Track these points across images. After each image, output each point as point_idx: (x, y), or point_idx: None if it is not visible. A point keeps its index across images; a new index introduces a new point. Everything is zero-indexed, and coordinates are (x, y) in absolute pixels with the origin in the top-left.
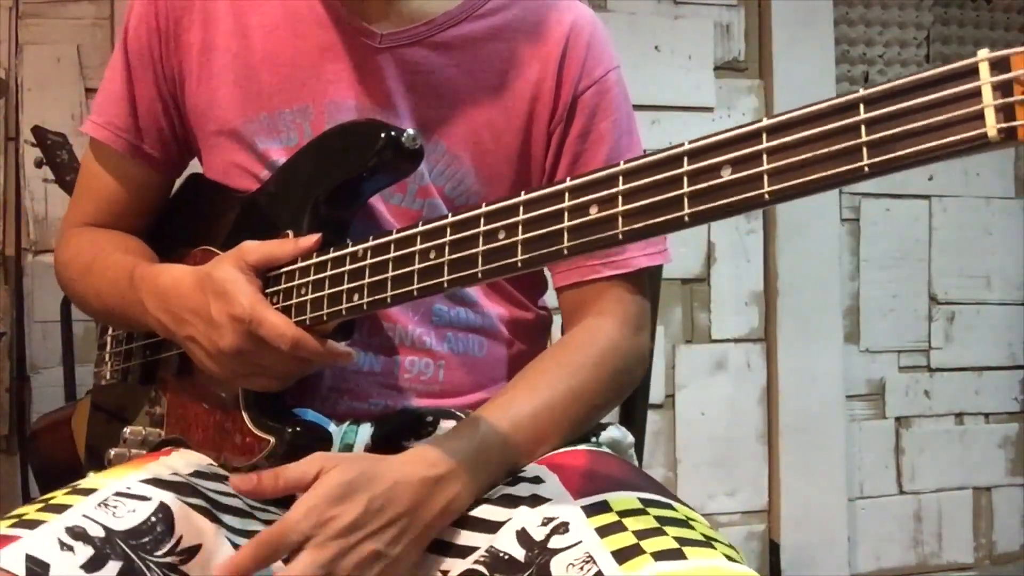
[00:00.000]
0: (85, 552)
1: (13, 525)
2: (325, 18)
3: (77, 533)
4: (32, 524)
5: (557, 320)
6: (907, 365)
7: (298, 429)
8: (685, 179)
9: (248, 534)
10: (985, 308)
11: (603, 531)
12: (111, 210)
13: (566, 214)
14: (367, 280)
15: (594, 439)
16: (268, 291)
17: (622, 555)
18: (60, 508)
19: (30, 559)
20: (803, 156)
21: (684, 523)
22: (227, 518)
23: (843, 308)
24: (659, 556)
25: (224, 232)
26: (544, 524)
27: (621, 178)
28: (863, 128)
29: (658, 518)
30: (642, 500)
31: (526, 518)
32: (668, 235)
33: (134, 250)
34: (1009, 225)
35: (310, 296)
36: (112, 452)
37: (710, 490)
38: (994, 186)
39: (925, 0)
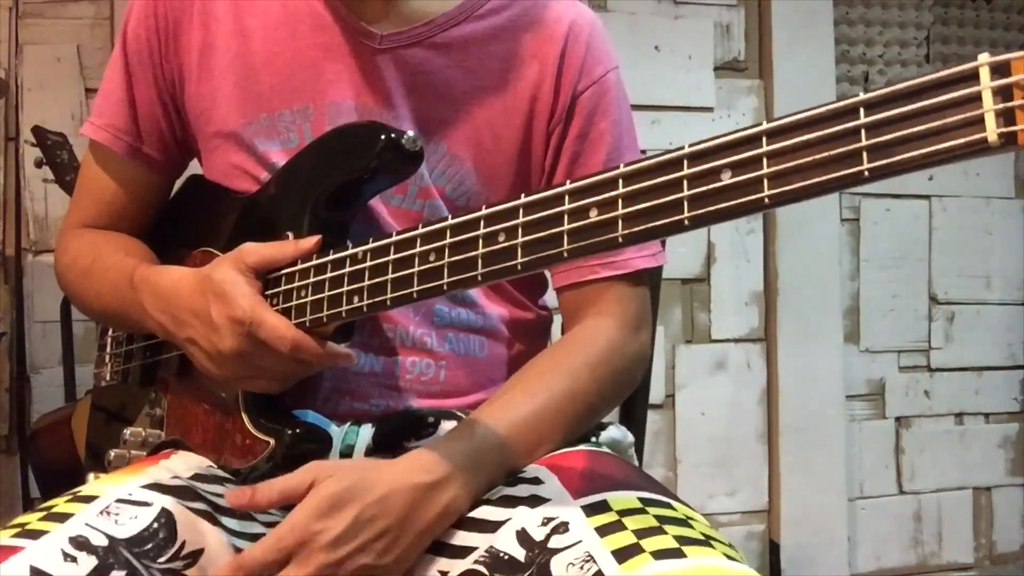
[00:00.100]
0: (89, 562)
1: (16, 535)
2: (325, 19)
3: (80, 543)
4: (35, 534)
5: (557, 320)
6: (907, 365)
7: (298, 431)
8: (685, 182)
9: (249, 536)
10: (985, 308)
11: (603, 530)
12: (111, 211)
13: (566, 217)
14: (367, 282)
15: (594, 439)
16: (268, 293)
17: (622, 554)
18: (62, 517)
19: (34, 571)
20: (803, 160)
21: (684, 522)
22: (228, 521)
23: (843, 308)
24: (659, 555)
25: (224, 234)
26: (544, 524)
27: (621, 181)
28: (863, 132)
29: (658, 517)
30: (642, 499)
31: (526, 518)
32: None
33: (134, 252)
34: (1009, 225)
35: (310, 298)
36: (112, 453)
37: (710, 490)
38: (994, 186)
39: (925, 0)
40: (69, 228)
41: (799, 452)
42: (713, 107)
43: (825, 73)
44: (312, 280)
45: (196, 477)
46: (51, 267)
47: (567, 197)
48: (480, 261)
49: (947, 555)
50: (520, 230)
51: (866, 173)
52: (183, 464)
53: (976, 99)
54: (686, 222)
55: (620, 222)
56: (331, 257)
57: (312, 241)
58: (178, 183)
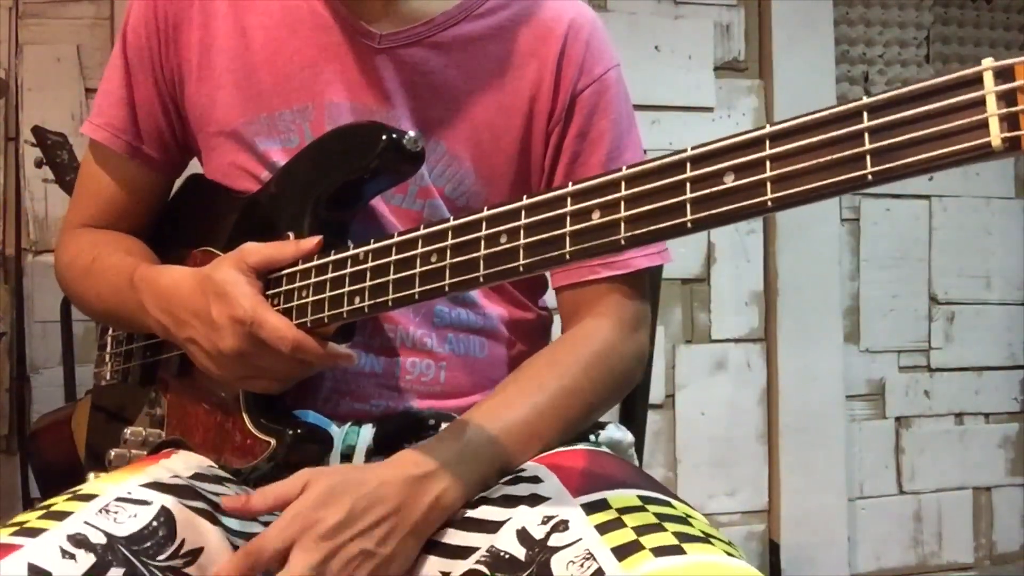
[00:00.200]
0: (87, 560)
1: (14, 533)
2: (324, 19)
3: (79, 540)
4: (33, 532)
5: (557, 320)
6: (907, 365)
7: (299, 431)
8: (688, 185)
9: (249, 536)
10: (985, 308)
11: (603, 528)
12: (111, 211)
13: (568, 219)
14: (368, 283)
15: (593, 438)
16: (269, 293)
17: (622, 551)
18: (61, 515)
19: (32, 568)
20: (806, 163)
21: (683, 520)
22: (228, 520)
23: (843, 308)
24: (658, 552)
25: (225, 233)
26: (544, 523)
27: (624, 183)
28: (866, 136)
29: (657, 515)
30: (641, 497)
31: (526, 517)
32: None
33: (134, 251)
34: (1009, 225)
35: (311, 298)
36: (112, 453)
37: (710, 490)
38: (994, 186)
39: (925, 0)
40: (69, 228)
41: (799, 452)
42: (713, 107)
43: (825, 73)
44: (313, 280)
45: (196, 476)
46: (51, 267)
47: (569, 199)
48: (482, 262)
49: (947, 555)
50: (522, 232)
51: (869, 177)
52: (183, 463)
53: (980, 103)
54: (689, 225)
55: (622, 224)
56: (332, 257)
57: (313, 241)
58: (178, 183)
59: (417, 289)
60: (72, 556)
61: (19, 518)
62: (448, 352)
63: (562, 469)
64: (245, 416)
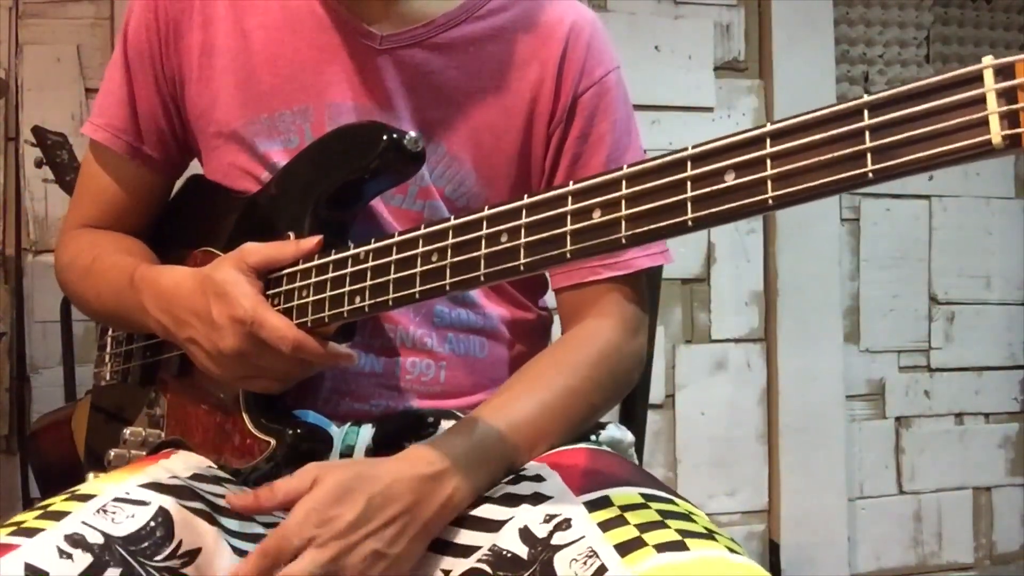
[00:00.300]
0: (84, 560)
1: (12, 533)
2: (325, 19)
3: (76, 540)
4: (31, 532)
5: (557, 320)
6: (907, 365)
7: (299, 431)
8: (689, 184)
9: (248, 536)
10: (985, 308)
11: (605, 525)
12: (111, 211)
13: (569, 218)
14: (369, 282)
15: (593, 438)
16: (269, 293)
17: (624, 548)
18: (59, 515)
19: (29, 568)
20: (807, 162)
21: (686, 516)
22: (226, 521)
23: (843, 308)
24: (661, 548)
25: (225, 233)
26: (546, 521)
27: (624, 182)
28: (867, 134)
29: (660, 512)
30: (644, 495)
31: (528, 516)
32: None
33: (134, 251)
34: (1009, 225)
35: (311, 298)
36: (112, 453)
37: (710, 490)
38: (994, 186)
39: (925, 0)
40: (69, 228)
41: (799, 452)
42: (713, 107)
43: (825, 73)
44: (314, 280)
45: (195, 477)
46: (51, 267)
47: (570, 198)
48: (483, 261)
49: (947, 555)
50: (523, 231)
51: (870, 175)
52: (182, 464)
53: (980, 101)
54: (690, 223)
55: (623, 223)
56: (333, 257)
57: (313, 241)
58: (178, 183)
59: (418, 288)
60: (69, 556)
61: (16, 518)
62: (448, 352)
63: (564, 468)
64: (245, 416)
